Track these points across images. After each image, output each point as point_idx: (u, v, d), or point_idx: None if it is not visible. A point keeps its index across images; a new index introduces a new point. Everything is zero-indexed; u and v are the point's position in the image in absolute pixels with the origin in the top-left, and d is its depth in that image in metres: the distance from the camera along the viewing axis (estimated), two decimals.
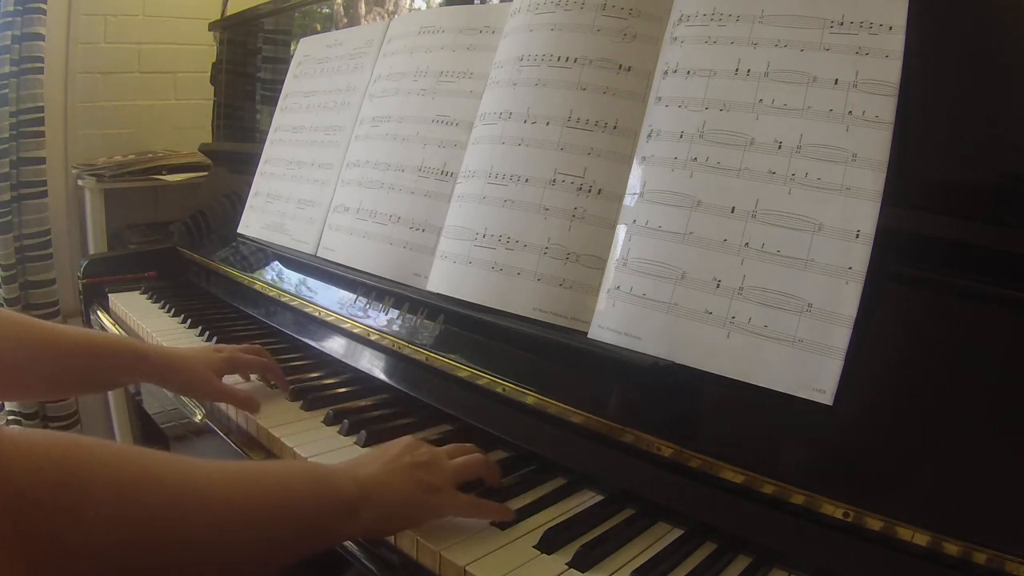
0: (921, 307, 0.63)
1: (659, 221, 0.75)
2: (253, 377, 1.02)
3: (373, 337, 1.00)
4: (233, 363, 0.98)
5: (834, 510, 0.59)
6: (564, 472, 0.77)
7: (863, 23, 0.68)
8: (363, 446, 0.83)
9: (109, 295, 1.50)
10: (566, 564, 0.62)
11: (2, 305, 1.92)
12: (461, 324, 0.90)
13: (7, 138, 1.89)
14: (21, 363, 0.80)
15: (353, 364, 1.02)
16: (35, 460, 0.41)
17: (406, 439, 0.70)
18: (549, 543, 0.64)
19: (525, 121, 0.88)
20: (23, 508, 0.40)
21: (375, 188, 1.09)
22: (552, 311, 0.82)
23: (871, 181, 0.65)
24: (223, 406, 0.96)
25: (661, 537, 0.67)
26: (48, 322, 0.86)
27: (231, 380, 0.99)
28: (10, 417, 2.00)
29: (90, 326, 1.53)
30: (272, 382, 1.00)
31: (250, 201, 1.40)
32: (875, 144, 0.65)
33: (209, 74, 1.87)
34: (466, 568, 0.61)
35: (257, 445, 0.89)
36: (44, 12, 1.90)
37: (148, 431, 1.78)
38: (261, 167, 1.40)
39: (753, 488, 0.64)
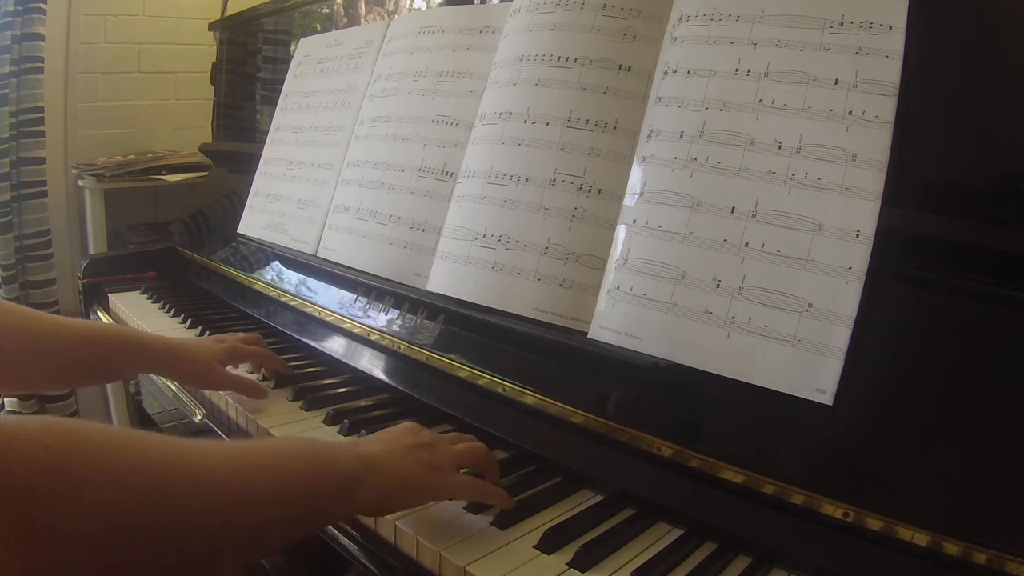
0: (921, 307, 0.63)
1: (659, 221, 0.75)
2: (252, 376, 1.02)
3: (373, 337, 1.00)
4: (235, 353, 0.98)
5: (834, 510, 0.59)
6: (564, 472, 0.77)
7: (863, 23, 0.68)
8: None
9: (109, 295, 1.50)
10: (566, 564, 0.62)
11: None
12: (461, 324, 0.90)
13: (7, 138, 1.89)
14: (25, 355, 0.80)
15: (353, 364, 1.02)
16: (30, 448, 0.41)
17: (408, 423, 0.70)
18: (549, 543, 0.64)
19: (525, 121, 0.88)
20: (19, 495, 0.40)
21: (375, 188, 1.09)
22: (552, 311, 0.82)
23: (871, 181, 0.65)
24: (222, 406, 0.96)
25: (661, 537, 0.67)
26: (51, 314, 0.85)
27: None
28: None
29: None
30: (278, 371, 1.01)
31: (250, 201, 1.40)
32: (875, 144, 0.65)
33: (209, 74, 1.88)
34: (466, 568, 0.61)
35: None
36: (44, 12, 1.90)
37: (148, 431, 1.78)
38: (261, 167, 1.40)
39: (753, 488, 0.64)
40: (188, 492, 0.48)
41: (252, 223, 1.37)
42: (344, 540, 0.69)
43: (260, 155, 1.41)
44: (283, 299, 1.21)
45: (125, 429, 0.50)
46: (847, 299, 0.64)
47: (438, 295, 0.93)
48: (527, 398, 0.80)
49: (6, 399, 1.98)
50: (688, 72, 0.78)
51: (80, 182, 2.07)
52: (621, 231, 0.79)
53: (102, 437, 0.46)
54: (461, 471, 0.68)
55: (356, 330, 1.04)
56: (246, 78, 1.77)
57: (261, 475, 0.53)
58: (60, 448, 0.42)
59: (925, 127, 0.66)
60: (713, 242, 0.72)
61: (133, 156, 2.12)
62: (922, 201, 0.66)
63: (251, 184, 1.41)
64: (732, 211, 0.71)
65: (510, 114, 0.90)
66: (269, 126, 1.43)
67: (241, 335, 1.03)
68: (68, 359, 0.84)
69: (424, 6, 1.36)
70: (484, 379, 0.84)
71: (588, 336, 0.78)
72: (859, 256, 0.64)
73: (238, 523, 0.51)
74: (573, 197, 0.83)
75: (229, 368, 1.00)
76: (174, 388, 1.06)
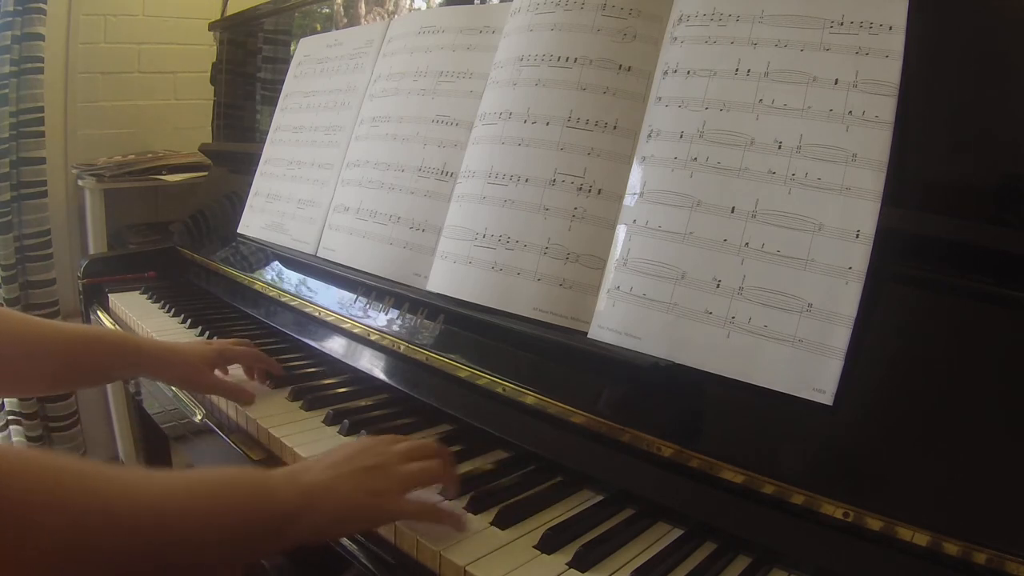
0: (921, 307, 0.63)
1: (659, 221, 0.75)
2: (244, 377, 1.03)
3: (373, 337, 1.00)
4: (224, 355, 0.99)
5: (834, 510, 0.59)
6: (564, 472, 0.77)
7: (863, 23, 0.68)
8: None
9: (109, 295, 1.50)
10: (566, 564, 0.62)
11: (1, 304, 1.92)
12: (461, 324, 0.90)
13: (7, 138, 1.89)
14: (19, 358, 0.81)
15: (353, 364, 1.02)
16: None
17: (363, 440, 0.69)
18: (549, 543, 0.64)
19: (525, 121, 0.88)
20: None
21: (375, 188, 1.09)
22: (552, 311, 0.82)
23: (871, 181, 0.65)
24: (223, 406, 0.97)
25: (661, 537, 0.67)
26: (44, 319, 0.87)
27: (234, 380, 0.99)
28: (10, 417, 2.00)
29: None
30: (271, 371, 1.01)
31: (250, 201, 1.40)
32: (875, 144, 0.65)
33: (209, 74, 1.87)
34: (466, 568, 0.61)
35: (257, 445, 0.89)
36: (44, 12, 1.89)
37: (148, 431, 1.78)
38: (261, 167, 1.40)
39: (753, 488, 0.64)
40: (129, 526, 0.51)
41: (252, 223, 1.37)
42: (344, 539, 0.69)
43: (260, 155, 1.41)
44: (283, 299, 1.21)
45: (69, 460, 0.52)
46: (847, 299, 0.64)
47: (438, 295, 0.93)
48: (527, 398, 0.80)
49: (5, 399, 1.98)
50: (688, 72, 0.78)
51: (80, 182, 2.07)
52: (621, 231, 0.79)
53: (50, 475, 0.48)
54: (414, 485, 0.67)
55: (356, 330, 1.04)
56: (246, 78, 1.77)
57: (197, 509, 0.55)
58: (9, 489, 0.44)
59: (925, 127, 0.66)
60: (713, 242, 0.72)
61: (133, 156, 2.12)
62: (922, 201, 0.66)
63: (251, 184, 1.41)
64: (732, 211, 0.71)
65: (510, 114, 0.90)
66: (269, 126, 1.43)
67: (231, 340, 1.05)
68: (61, 362, 0.85)
69: (424, 6, 1.36)
70: (484, 379, 0.84)
71: (588, 336, 0.78)
72: (859, 256, 0.64)
73: (176, 554, 0.54)
74: (573, 197, 0.83)
75: (223, 373, 1.01)
76: (174, 388, 1.06)
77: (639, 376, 0.73)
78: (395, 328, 0.97)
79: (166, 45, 2.27)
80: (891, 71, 0.66)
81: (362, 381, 1.01)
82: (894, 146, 0.65)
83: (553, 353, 0.80)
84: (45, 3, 1.89)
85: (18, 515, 0.44)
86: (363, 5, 1.46)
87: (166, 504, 0.53)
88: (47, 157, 1.98)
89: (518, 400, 0.81)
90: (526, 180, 0.86)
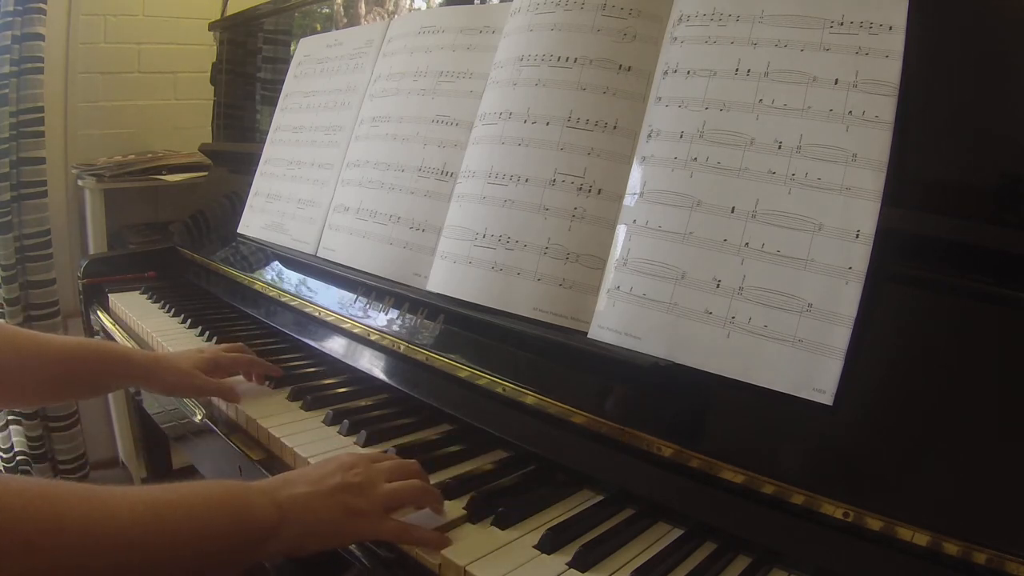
0: (921, 307, 0.63)
1: (659, 221, 0.75)
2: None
3: (373, 337, 1.00)
4: (217, 362, 0.99)
5: (834, 510, 0.59)
6: (564, 472, 0.77)
7: (863, 23, 0.68)
8: (363, 446, 0.83)
9: (109, 295, 1.51)
10: (566, 564, 0.62)
11: (1, 305, 1.92)
12: (461, 324, 0.90)
13: (7, 138, 1.89)
14: (11, 371, 0.82)
15: (353, 364, 1.02)
16: None
17: (345, 456, 0.69)
18: (549, 543, 0.64)
19: (525, 121, 0.88)
20: None
21: (375, 188, 1.09)
22: (552, 311, 0.82)
23: (871, 181, 0.65)
24: (223, 406, 0.97)
25: (661, 537, 0.67)
26: (34, 332, 0.88)
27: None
28: (10, 417, 2.00)
29: (90, 326, 1.53)
30: (266, 382, 1.01)
31: (250, 201, 1.40)
32: (875, 144, 0.65)
33: (209, 74, 1.87)
34: (466, 568, 0.61)
35: (257, 445, 0.89)
36: (44, 12, 1.89)
37: (148, 431, 1.79)
38: (261, 167, 1.40)
39: (753, 488, 0.64)
40: (100, 554, 0.51)
41: (252, 223, 1.37)
42: None
43: (260, 155, 1.41)
44: (283, 299, 1.21)
45: (37, 486, 0.52)
46: (847, 299, 0.64)
47: (438, 295, 0.93)
48: (527, 398, 0.80)
49: None
50: (688, 72, 0.78)
51: (80, 182, 2.07)
52: (621, 231, 0.79)
53: (15, 502, 0.48)
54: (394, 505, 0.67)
55: (356, 330, 1.04)
56: (246, 78, 1.77)
57: (175, 531, 0.56)
58: None
59: (925, 127, 0.66)
60: (713, 242, 0.72)
61: (133, 156, 2.12)
62: (922, 201, 0.66)
63: (251, 184, 1.41)
64: (732, 211, 0.71)
65: (510, 114, 0.90)
66: (269, 126, 1.43)
67: (223, 345, 1.05)
68: (53, 374, 0.85)
69: (424, 6, 1.36)
70: (484, 379, 0.84)
71: (588, 336, 0.78)
72: (859, 256, 0.64)
73: (155, 573, 0.54)
74: (573, 197, 0.83)
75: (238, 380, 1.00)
76: None
77: (639, 376, 0.73)
78: (395, 328, 0.97)
79: (166, 45, 2.27)
80: (891, 71, 0.66)
81: (362, 381, 1.01)
82: (894, 146, 0.65)
83: (553, 353, 0.80)
84: (45, 3, 1.89)
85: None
86: (363, 5, 1.46)
87: (148, 526, 0.54)
88: (47, 157, 1.98)
89: (518, 400, 0.81)
90: (526, 180, 0.86)
